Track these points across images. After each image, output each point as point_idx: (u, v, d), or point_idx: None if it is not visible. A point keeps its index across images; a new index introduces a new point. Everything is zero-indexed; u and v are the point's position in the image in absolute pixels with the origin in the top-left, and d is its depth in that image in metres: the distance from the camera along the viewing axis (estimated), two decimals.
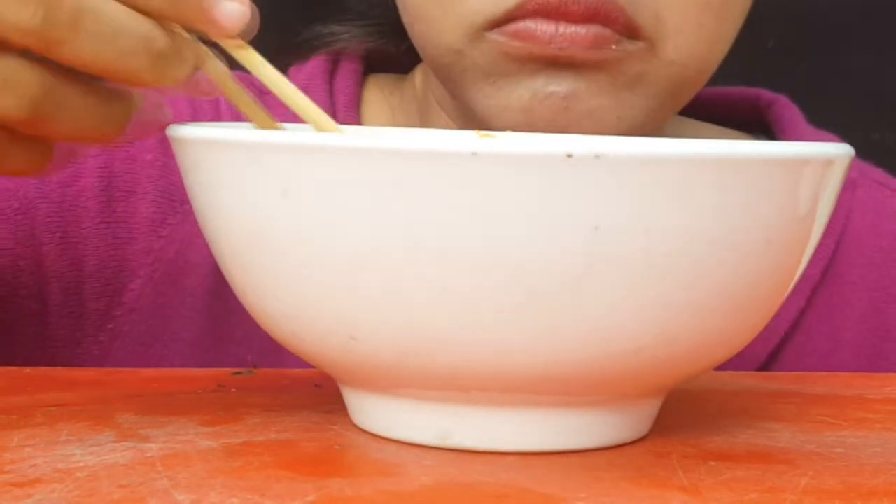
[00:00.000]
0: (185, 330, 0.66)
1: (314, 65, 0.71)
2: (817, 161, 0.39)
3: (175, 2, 0.41)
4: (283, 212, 0.38)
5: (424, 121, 0.70)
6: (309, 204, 0.38)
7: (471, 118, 0.64)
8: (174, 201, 0.66)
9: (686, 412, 0.47)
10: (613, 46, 0.57)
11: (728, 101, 0.75)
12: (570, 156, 0.36)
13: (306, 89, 0.69)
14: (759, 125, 0.74)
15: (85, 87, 0.42)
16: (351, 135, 0.53)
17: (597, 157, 0.36)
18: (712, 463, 0.41)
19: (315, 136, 0.38)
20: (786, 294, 0.42)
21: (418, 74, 0.71)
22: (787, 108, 0.73)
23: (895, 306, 0.69)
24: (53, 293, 0.65)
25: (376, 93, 0.72)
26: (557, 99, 0.58)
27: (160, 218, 0.66)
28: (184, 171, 0.43)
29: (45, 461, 0.40)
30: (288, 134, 0.39)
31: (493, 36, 0.58)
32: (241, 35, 0.42)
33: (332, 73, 0.71)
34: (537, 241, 0.37)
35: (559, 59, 0.58)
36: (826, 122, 0.85)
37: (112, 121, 0.43)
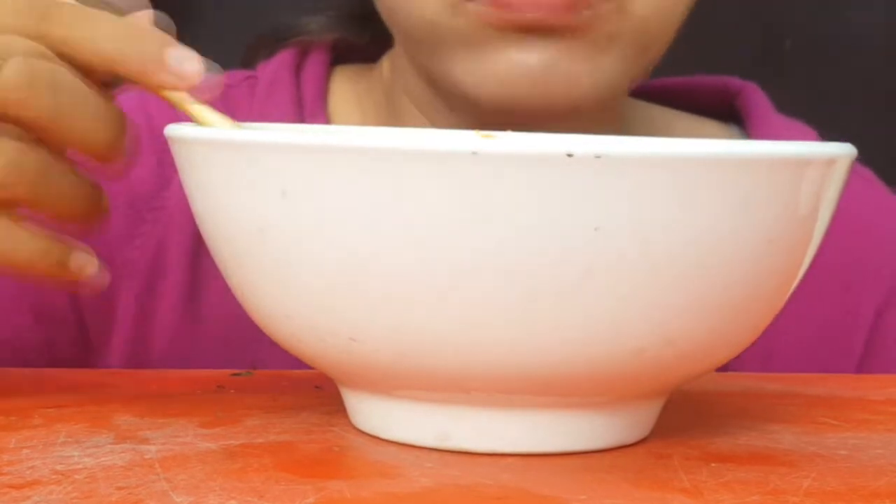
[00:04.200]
0: (163, 334, 0.67)
1: (281, 58, 0.72)
2: (819, 161, 0.39)
3: (135, 56, 0.44)
4: (283, 212, 0.38)
5: (392, 109, 0.70)
6: (309, 204, 0.38)
7: (439, 107, 0.65)
8: (141, 210, 0.67)
9: (687, 414, 0.47)
10: (586, 12, 0.59)
11: (696, 90, 0.76)
12: (570, 156, 0.36)
13: (273, 83, 0.70)
14: (729, 114, 0.75)
15: (71, 168, 0.46)
16: (352, 135, 0.53)
17: (597, 157, 0.36)
18: (714, 464, 0.41)
19: (315, 136, 0.38)
20: (787, 294, 0.42)
21: (385, 63, 0.72)
22: (755, 95, 0.74)
23: (863, 286, 0.70)
24: (61, 340, 0.67)
25: (343, 83, 0.73)
26: (534, 69, 0.59)
27: (132, 230, 0.67)
28: (183, 172, 0.42)
29: (44, 463, 0.39)
30: (288, 134, 0.39)
31: (472, 6, 0.59)
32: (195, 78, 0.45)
33: (298, 66, 0.72)
34: (537, 242, 0.36)
35: (535, 25, 0.59)
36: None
37: (93, 202, 0.47)
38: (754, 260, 0.39)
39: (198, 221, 0.43)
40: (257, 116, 0.69)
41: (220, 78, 0.45)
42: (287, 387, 0.50)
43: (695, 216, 0.37)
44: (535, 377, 0.39)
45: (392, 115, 0.70)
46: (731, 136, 0.73)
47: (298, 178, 0.38)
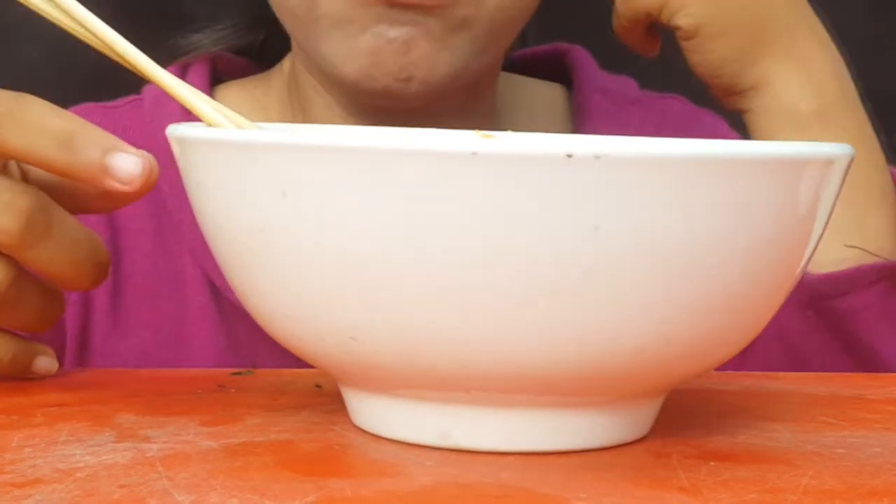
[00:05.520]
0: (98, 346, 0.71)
1: None
2: (818, 161, 0.39)
3: (76, 159, 0.46)
4: (283, 212, 0.38)
5: (297, 96, 0.74)
6: (309, 204, 0.38)
7: (334, 81, 0.69)
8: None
9: (686, 412, 0.47)
10: None
11: (536, 59, 0.81)
12: (570, 156, 0.36)
13: (159, 99, 0.73)
14: (564, 76, 0.80)
15: (36, 283, 0.49)
16: (352, 135, 0.53)
17: (597, 157, 0.36)
18: (712, 463, 0.41)
19: (315, 136, 0.38)
20: (786, 294, 0.42)
21: (287, 60, 0.76)
22: (579, 54, 0.80)
23: None
24: None
25: (235, 90, 0.76)
26: (399, 43, 0.64)
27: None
28: (184, 172, 0.43)
29: (45, 461, 0.40)
30: (288, 134, 0.39)
31: None
32: (144, 185, 0.46)
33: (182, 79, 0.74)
34: (537, 242, 0.37)
35: (397, 2, 0.64)
36: None
37: (49, 315, 0.50)
38: (753, 260, 0.39)
39: (199, 220, 0.43)
40: (147, 133, 0.71)
41: (156, 169, 0.47)
42: (287, 385, 0.51)
43: (694, 216, 0.37)
44: (535, 376, 0.39)
45: (297, 103, 0.74)
46: (556, 94, 0.79)
47: (298, 178, 0.38)
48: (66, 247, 0.47)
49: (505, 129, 0.69)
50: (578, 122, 0.76)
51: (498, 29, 0.67)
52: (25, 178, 0.49)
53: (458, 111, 0.71)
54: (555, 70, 0.80)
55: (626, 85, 0.80)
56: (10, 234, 0.46)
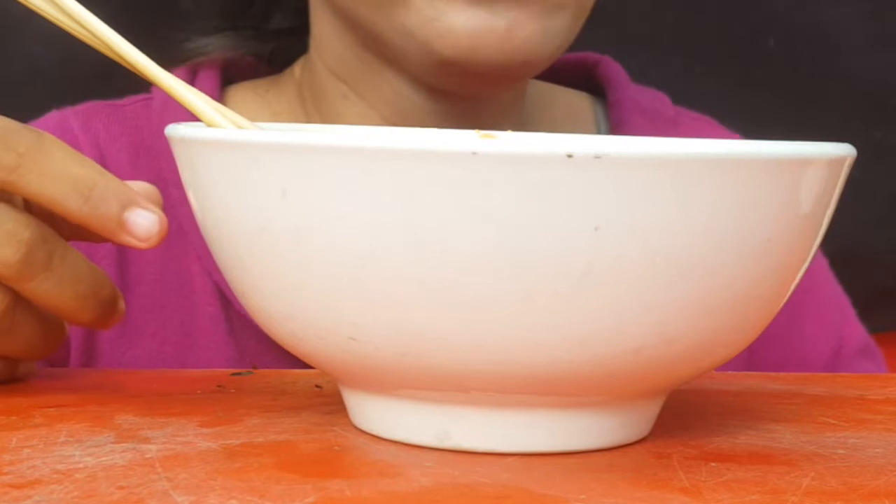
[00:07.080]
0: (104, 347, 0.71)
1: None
2: (819, 161, 0.39)
3: (94, 212, 0.46)
4: (283, 212, 0.38)
5: (313, 99, 0.74)
6: (309, 204, 0.38)
7: (380, 81, 0.69)
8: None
9: (687, 413, 0.47)
10: None
11: (560, 66, 0.81)
12: (570, 156, 0.36)
13: (168, 98, 0.72)
14: (589, 85, 0.80)
15: (34, 314, 0.48)
16: (352, 135, 0.53)
17: (597, 157, 0.36)
18: (713, 464, 0.41)
19: (315, 136, 0.38)
20: (787, 294, 0.42)
21: (297, 67, 0.76)
22: (611, 67, 0.80)
23: None
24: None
25: (246, 93, 0.76)
26: (500, 30, 0.64)
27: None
28: (183, 172, 0.43)
29: (44, 462, 0.39)
30: (288, 134, 0.39)
31: None
32: (154, 239, 0.47)
33: (191, 81, 0.75)
34: (537, 242, 0.37)
35: None
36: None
37: (48, 345, 0.50)
38: (754, 260, 0.39)
39: (198, 221, 0.43)
40: (156, 133, 0.71)
41: (165, 224, 0.47)
42: (287, 386, 0.51)
43: (695, 216, 0.37)
44: (535, 377, 0.39)
45: (314, 111, 0.73)
46: (594, 106, 0.79)
47: (298, 178, 0.38)
48: (66, 280, 0.47)
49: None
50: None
51: (581, 13, 0.68)
52: (28, 208, 0.48)
53: (508, 106, 0.71)
54: (574, 76, 0.80)
55: (660, 101, 0.79)
56: (8, 266, 0.46)
